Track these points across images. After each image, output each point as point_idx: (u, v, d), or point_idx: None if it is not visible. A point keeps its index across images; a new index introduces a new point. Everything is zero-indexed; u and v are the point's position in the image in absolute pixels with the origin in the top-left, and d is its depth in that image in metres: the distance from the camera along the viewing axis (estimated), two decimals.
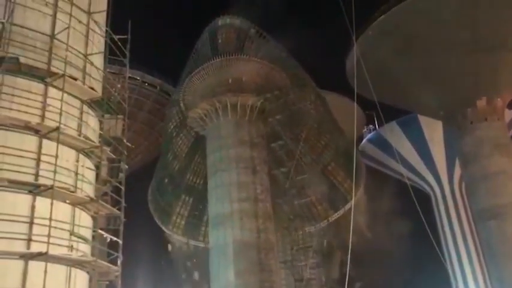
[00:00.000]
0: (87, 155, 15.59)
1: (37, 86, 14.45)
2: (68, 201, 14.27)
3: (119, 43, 17.58)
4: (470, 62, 34.93)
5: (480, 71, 35.37)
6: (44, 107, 14.28)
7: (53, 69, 14.65)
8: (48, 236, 12.79)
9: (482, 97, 36.22)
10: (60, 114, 14.15)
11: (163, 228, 38.09)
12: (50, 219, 13.02)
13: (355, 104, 31.93)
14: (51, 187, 13.29)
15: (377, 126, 55.88)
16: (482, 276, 50.66)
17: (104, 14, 17.70)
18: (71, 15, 15.63)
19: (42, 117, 14.12)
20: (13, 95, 13.86)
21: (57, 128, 13.88)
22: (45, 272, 12.50)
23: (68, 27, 15.27)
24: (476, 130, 36.13)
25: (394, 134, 52.08)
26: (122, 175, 17.17)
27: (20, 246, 12.80)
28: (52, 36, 14.97)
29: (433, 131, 50.87)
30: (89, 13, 16.66)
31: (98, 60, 17.03)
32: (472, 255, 52.61)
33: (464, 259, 52.85)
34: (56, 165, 13.61)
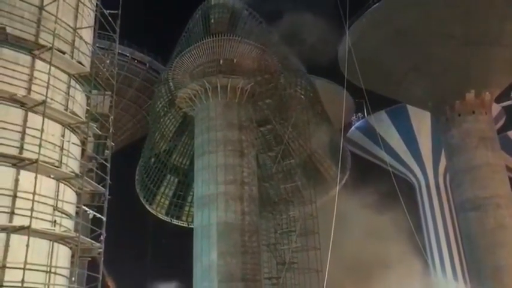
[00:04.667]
0: (73, 130, 15.42)
1: (24, 58, 14.18)
2: (52, 176, 14.15)
3: (109, 18, 17.29)
4: (460, 55, 35.11)
5: (470, 64, 35.58)
6: (30, 80, 14.05)
7: (41, 41, 14.36)
8: (32, 210, 12.70)
9: (471, 90, 36.52)
10: (47, 87, 13.94)
11: (148, 207, 38.10)
12: (34, 193, 12.90)
13: (345, 91, 31.98)
14: (36, 161, 13.15)
15: (366, 115, 56.18)
16: (461, 267, 51.81)
17: None
18: None
19: (29, 90, 13.90)
20: None
21: (44, 102, 13.67)
22: (27, 245, 12.44)
23: None
24: (464, 123, 36.49)
25: (382, 123, 52.45)
26: (107, 152, 17.07)
27: (2, 220, 12.68)
28: (41, 7, 14.64)
29: (421, 121, 51.35)
30: None
31: (87, 34, 16.75)
32: (452, 245, 53.69)
33: (444, 249, 53.91)
34: (41, 139, 13.45)
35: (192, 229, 32.26)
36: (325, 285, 23.30)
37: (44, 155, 13.60)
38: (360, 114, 58.05)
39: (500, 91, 40.10)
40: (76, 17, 15.96)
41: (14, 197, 12.99)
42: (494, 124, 41.39)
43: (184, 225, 37.97)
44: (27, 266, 12.45)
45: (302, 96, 36.25)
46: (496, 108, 47.27)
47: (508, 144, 54.75)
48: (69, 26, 15.55)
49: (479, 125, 36.21)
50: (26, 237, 12.52)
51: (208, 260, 28.76)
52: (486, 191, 34.17)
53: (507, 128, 56.46)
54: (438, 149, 51.31)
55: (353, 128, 58.25)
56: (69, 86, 15.36)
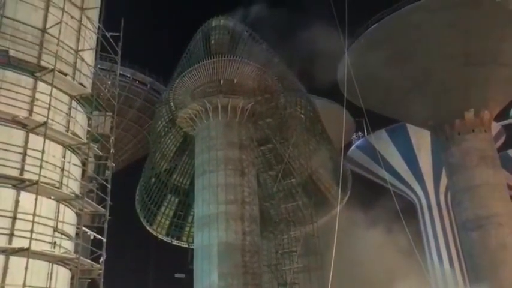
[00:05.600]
0: (74, 151, 15.48)
1: (26, 80, 14.33)
2: (52, 197, 14.16)
3: (111, 40, 17.52)
4: (460, 74, 35.40)
5: (469, 83, 35.84)
6: (32, 101, 14.17)
7: (43, 63, 14.54)
8: (31, 231, 12.67)
9: (471, 109, 36.70)
10: (49, 109, 14.05)
11: (148, 228, 37.92)
12: (34, 214, 12.89)
13: (344, 110, 32.10)
14: (36, 182, 13.18)
15: (365, 133, 56.31)
16: (464, 287, 51.13)
17: (97, 11, 17.63)
18: (63, 10, 15.54)
19: (30, 111, 14.01)
20: (1, 88, 13.75)
21: (45, 123, 13.77)
22: (26, 268, 12.37)
23: (59, 22, 15.19)
24: (463, 141, 36.58)
25: (382, 141, 52.51)
26: (108, 173, 17.09)
27: (1, 241, 12.64)
28: (43, 30, 14.87)
29: (421, 140, 51.40)
30: (81, 9, 16.57)
31: (89, 56, 16.95)
32: (455, 265, 53.15)
33: (446, 269, 53.34)
34: (42, 160, 13.49)
35: (192, 249, 32.05)
36: None
37: (45, 176, 13.63)
38: (360, 133, 58.24)
39: (500, 110, 40.28)
40: (78, 40, 16.18)
41: (14, 218, 12.97)
42: (494, 143, 41.44)
43: (184, 245, 37.72)
44: None
45: (302, 116, 36.43)
46: (495, 126, 47.38)
47: (509, 163, 54.68)
48: (71, 48, 15.75)
49: (479, 143, 36.29)
50: (25, 259, 12.46)
51: (209, 281, 28.49)
52: (487, 210, 34.05)
53: (507, 146, 56.50)
54: (439, 168, 51.26)
55: (353, 147, 58.32)
56: (70, 107, 15.49)
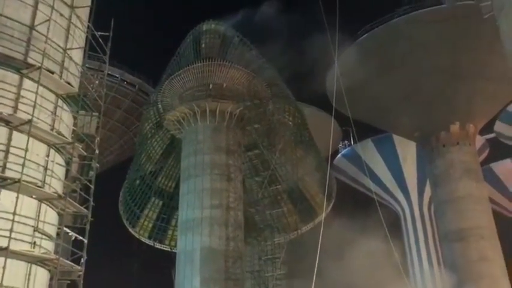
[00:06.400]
0: (58, 150, 15.28)
1: (12, 77, 14.13)
2: (34, 196, 13.94)
3: (100, 40, 17.38)
4: (447, 87, 35.85)
5: (456, 96, 36.31)
6: (17, 99, 13.97)
7: (30, 60, 14.36)
8: (11, 230, 12.44)
9: (456, 122, 37.16)
10: (34, 107, 13.87)
11: (131, 230, 37.53)
12: (14, 213, 12.68)
13: (332, 119, 32.26)
14: (18, 180, 12.96)
15: (352, 143, 56.61)
16: None
17: (87, 10, 17.49)
18: (52, 7, 15.40)
19: (15, 108, 13.81)
20: None
21: (30, 121, 13.58)
22: (4, 268, 12.14)
23: (48, 20, 15.03)
24: (448, 153, 37.00)
25: (368, 151, 52.83)
26: (92, 173, 16.90)
27: None
28: (31, 27, 14.69)
29: (407, 151, 51.85)
30: (71, 7, 16.42)
31: (77, 55, 16.78)
32: (436, 275, 53.49)
33: (427, 279, 53.67)
34: (25, 158, 13.29)
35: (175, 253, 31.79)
36: None
37: (27, 175, 13.42)
38: (346, 142, 58.53)
39: (484, 123, 40.86)
40: (67, 38, 16.01)
41: None
42: (478, 156, 41.96)
43: (167, 249, 37.41)
44: None
45: (290, 123, 36.50)
46: (479, 140, 48.02)
47: (491, 176, 55.44)
48: (59, 46, 15.58)
49: (464, 156, 36.75)
50: (3, 259, 12.22)
51: (190, 286, 28.26)
52: (469, 222, 34.43)
53: (490, 160, 57.31)
54: (423, 179, 51.70)
55: (339, 155, 58.58)
56: (56, 106, 15.29)
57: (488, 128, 48.48)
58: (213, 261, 28.72)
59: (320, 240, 24.42)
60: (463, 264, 33.75)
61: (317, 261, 23.18)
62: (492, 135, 54.28)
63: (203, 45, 34.33)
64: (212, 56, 33.05)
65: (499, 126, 52.47)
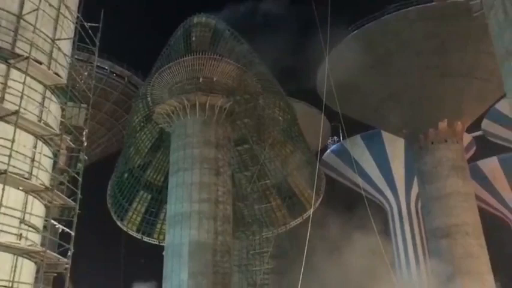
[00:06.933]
0: (45, 142, 15.09)
1: None
2: (21, 188, 13.77)
3: (90, 31, 17.19)
4: (435, 85, 36.08)
5: (444, 94, 36.59)
6: (4, 89, 13.76)
7: (18, 50, 14.14)
8: None
9: (444, 119, 37.45)
10: (21, 97, 13.68)
11: (119, 223, 37.36)
12: (1, 205, 12.53)
13: (323, 115, 32.38)
14: (5, 172, 12.81)
15: (341, 138, 56.86)
16: None
17: (77, 0, 17.26)
18: None
19: (2, 99, 13.59)
20: None
21: (17, 112, 13.39)
22: None
23: (37, 9, 14.80)
24: (436, 151, 37.31)
25: (357, 147, 53.12)
26: (80, 166, 16.76)
27: None
28: (19, 16, 14.45)
29: (395, 147, 52.18)
30: None
31: (66, 46, 16.56)
32: (422, 272, 54.06)
33: (414, 276, 54.22)
34: (11, 149, 13.13)
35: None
36: None
37: (14, 166, 13.26)
38: (335, 137, 58.76)
39: (472, 121, 41.26)
40: (55, 28, 15.78)
41: None
42: (465, 153, 42.40)
43: (155, 243, 37.33)
44: None
45: (280, 118, 36.53)
46: (467, 138, 48.50)
47: (478, 174, 56.06)
48: (47, 36, 15.36)
49: (451, 153, 37.08)
50: None
51: (178, 280, 28.24)
52: (456, 219, 34.80)
53: (477, 157, 57.93)
54: (411, 176, 52.13)
55: (328, 151, 58.80)
56: (44, 97, 15.09)
57: (475, 125, 48.99)
58: (201, 255, 28.74)
59: (308, 235, 24.55)
60: (449, 260, 34.12)
61: (304, 256, 23.31)
62: (479, 132, 54.88)
63: (193, 38, 34.15)
64: (202, 49, 32.89)
65: (486, 124, 53.06)
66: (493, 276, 34.13)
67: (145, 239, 37.17)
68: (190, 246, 28.85)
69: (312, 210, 33.60)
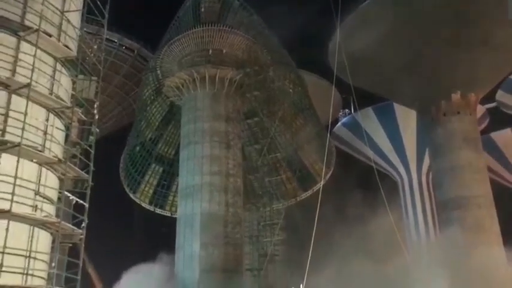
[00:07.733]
0: (57, 115, 15.20)
1: (9, 39, 13.91)
2: (34, 161, 13.96)
3: (99, 3, 17.03)
4: (449, 56, 35.38)
5: (458, 65, 35.89)
6: (15, 62, 13.79)
7: (27, 23, 14.11)
8: (13, 193, 12.53)
9: (457, 91, 36.88)
10: (32, 70, 13.72)
11: (132, 196, 37.89)
12: (15, 177, 12.74)
13: (333, 87, 32.06)
14: (18, 144, 12.96)
15: (352, 111, 56.42)
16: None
17: None
18: None
19: (13, 72, 13.65)
20: None
21: (28, 85, 13.46)
22: (7, 230, 12.28)
23: None
24: (448, 123, 36.86)
25: (369, 120, 52.66)
26: (92, 138, 16.89)
27: None
28: None
29: (407, 120, 51.67)
30: None
31: (75, 18, 16.47)
32: (432, 244, 54.25)
33: (424, 247, 54.48)
34: (24, 122, 13.24)
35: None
36: (305, 278, 23.47)
37: (27, 139, 13.41)
38: (346, 110, 58.30)
39: (485, 93, 40.59)
40: (64, 0, 15.67)
41: None
42: (478, 125, 41.90)
43: (167, 214, 37.88)
44: (6, 251, 12.32)
45: (291, 90, 36.27)
46: (480, 109, 47.84)
47: (490, 146, 55.52)
48: (56, 8, 15.27)
49: (464, 125, 36.62)
50: (5, 221, 12.35)
51: (190, 250, 28.76)
52: (467, 191, 34.63)
53: (490, 129, 57.26)
54: (423, 148, 51.79)
55: (339, 124, 58.47)
56: (54, 70, 15.12)
57: (489, 97, 48.21)
58: (213, 226, 29.15)
59: (318, 208, 24.68)
60: (460, 232, 34.15)
61: (315, 228, 23.48)
62: (493, 104, 54.05)
63: (202, 10, 33.75)
64: (212, 20, 32.53)
65: (501, 95, 52.20)
66: (503, 248, 34.17)
67: (158, 210, 37.73)
68: (202, 217, 29.25)
69: (322, 183, 33.70)
